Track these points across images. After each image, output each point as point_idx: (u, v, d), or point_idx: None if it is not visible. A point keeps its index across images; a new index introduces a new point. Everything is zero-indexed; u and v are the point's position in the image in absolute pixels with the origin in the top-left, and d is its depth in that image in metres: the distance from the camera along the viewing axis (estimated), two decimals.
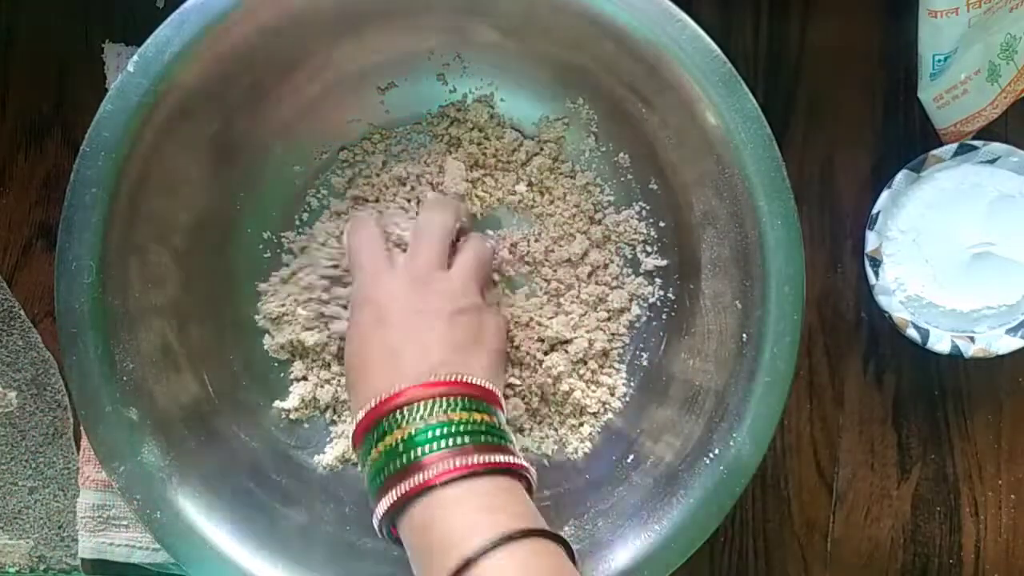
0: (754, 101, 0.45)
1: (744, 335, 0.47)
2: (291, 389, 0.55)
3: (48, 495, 0.59)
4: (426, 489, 0.39)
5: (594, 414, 0.55)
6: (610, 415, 0.55)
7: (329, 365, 0.55)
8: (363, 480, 0.43)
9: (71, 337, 0.46)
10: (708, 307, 0.51)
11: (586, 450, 0.54)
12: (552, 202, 0.55)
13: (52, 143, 0.58)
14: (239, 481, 0.51)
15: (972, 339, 0.55)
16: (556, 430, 0.55)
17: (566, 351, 0.54)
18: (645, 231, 0.55)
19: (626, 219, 0.55)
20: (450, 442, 0.40)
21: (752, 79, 0.57)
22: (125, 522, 0.57)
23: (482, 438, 0.41)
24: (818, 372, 0.59)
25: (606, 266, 0.55)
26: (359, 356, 0.46)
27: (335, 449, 0.54)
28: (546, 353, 0.54)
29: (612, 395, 0.55)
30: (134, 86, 0.45)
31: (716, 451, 0.46)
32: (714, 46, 0.45)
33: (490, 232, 0.55)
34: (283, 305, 0.54)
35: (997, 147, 0.54)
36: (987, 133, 0.55)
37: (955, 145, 0.54)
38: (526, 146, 0.55)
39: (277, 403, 0.55)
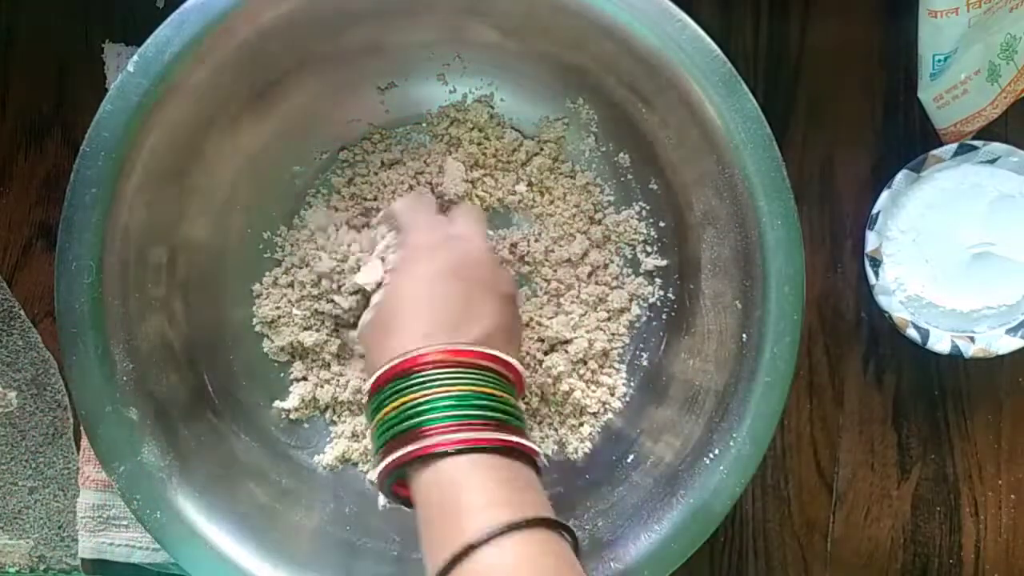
0: (754, 101, 0.45)
1: (744, 335, 0.47)
2: (291, 389, 0.55)
3: (48, 495, 0.59)
4: (432, 456, 0.38)
5: (594, 414, 0.55)
6: (610, 415, 0.55)
7: (329, 365, 0.55)
8: (369, 436, 0.42)
9: (71, 337, 0.46)
10: (708, 307, 0.51)
11: (586, 450, 0.54)
12: (552, 202, 0.55)
13: (52, 143, 0.58)
14: (239, 481, 0.51)
15: (972, 339, 0.55)
16: (556, 430, 0.55)
17: (566, 351, 0.54)
18: (645, 231, 0.55)
19: (626, 219, 0.55)
20: (466, 413, 0.39)
21: (752, 79, 0.57)
22: (125, 522, 0.57)
23: (498, 415, 0.40)
24: (818, 372, 0.59)
25: (606, 266, 0.55)
26: (391, 306, 0.45)
27: (335, 449, 0.54)
28: (546, 353, 0.54)
29: (612, 395, 0.55)
30: (134, 86, 0.45)
31: (716, 451, 0.46)
32: (714, 46, 0.45)
33: (490, 232, 0.55)
34: (278, 307, 0.54)
35: (997, 147, 0.54)
36: (987, 133, 0.55)
37: (955, 145, 0.54)
38: (526, 146, 0.55)
39: (277, 403, 0.55)
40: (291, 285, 0.55)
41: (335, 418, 0.55)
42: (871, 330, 0.58)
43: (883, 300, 0.55)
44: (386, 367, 0.42)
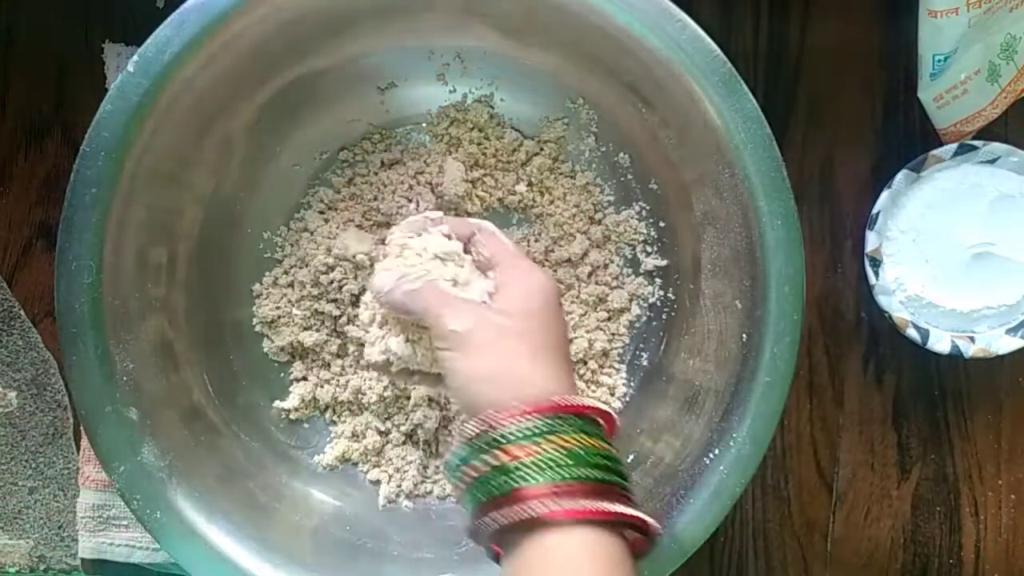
0: (754, 101, 0.45)
1: (744, 335, 0.47)
2: (291, 389, 0.55)
3: (48, 495, 0.59)
4: (531, 524, 0.35)
5: None
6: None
7: (328, 365, 0.55)
8: (459, 487, 0.39)
9: (71, 337, 0.46)
10: (708, 307, 0.51)
11: None
12: (552, 202, 0.55)
13: (52, 143, 0.58)
14: (239, 481, 0.51)
15: (972, 339, 0.55)
16: None
17: None
18: (645, 231, 0.55)
19: (626, 219, 0.55)
20: (579, 474, 0.35)
21: (752, 79, 0.57)
22: (125, 522, 0.57)
23: (597, 473, 0.36)
24: (818, 372, 0.59)
25: (606, 266, 0.55)
26: (482, 368, 0.39)
27: (335, 449, 0.54)
28: None
29: (612, 395, 0.55)
30: (134, 86, 0.45)
31: (716, 451, 0.46)
32: (714, 46, 0.45)
33: None
34: (277, 307, 0.54)
35: (997, 147, 0.54)
36: (987, 133, 0.55)
37: (955, 145, 0.54)
38: (526, 146, 0.55)
39: (277, 403, 0.55)
40: (291, 285, 0.55)
41: (335, 418, 0.55)
42: (871, 330, 0.58)
43: (883, 300, 0.55)
44: (490, 416, 0.37)
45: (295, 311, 0.54)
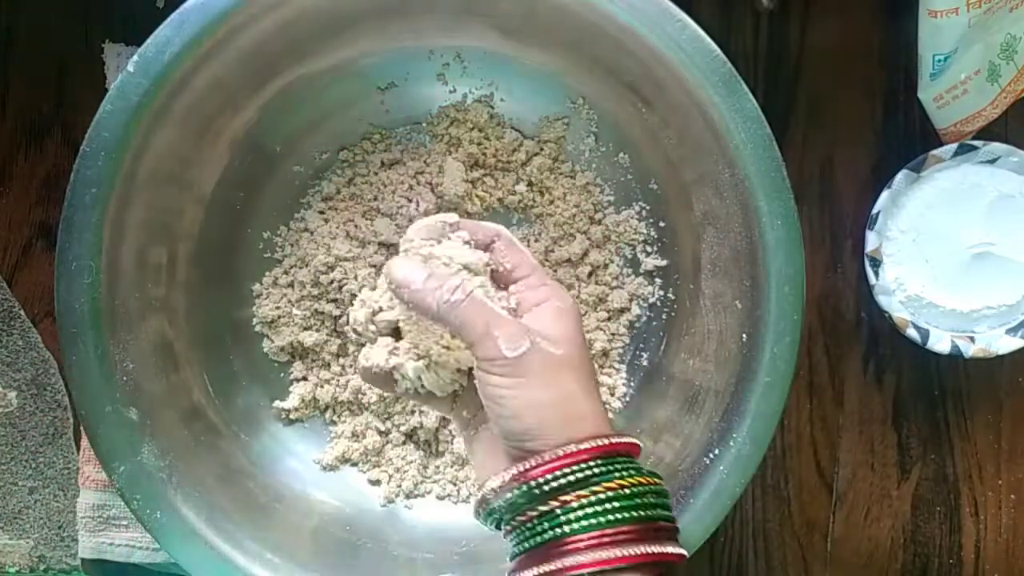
0: (754, 101, 0.45)
1: (744, 335, 0.47)
2: (291, 389, 0.55)
3: (48, 495, 0.59)
4: (576, 569, 0.34)
5: None
6: (610, 415, 0.55)
7: (328, 365, 0.55)
8: (499, 529, 0.38)
9: (71, 337, 0.46)
10: (708, 307, 0.51)
11: None
12: (552, 202, 0.55)
13: (52, 143, 0.58)
14: (239, 481, 0.51)
15: (972, 339, 0.55)
16: None
17: None
18: (645, 231, 0.55)
19: (626, 219, 0.55)
20: (609, 519, 0.35)
21: (752, 79, 0.57)
22: (125, 522, 0.57)
23: (644, 512, 0.35)
24: (818, 372, 0.59)
25: (606, 266, 0.55)
26: (539, 400, 0.37)
27: (335, 449, 0.54)
28: None
29: (612, 395, 0.55)
30: (134, 86, 0.45)
31: (716, 451, 0.46)
32: (714, 46, 0.45)
33: None
34: (278, 307, 0.54)
35: (997, 147, 0.54)
36: (987, 133, 0.55)
37: (955, 145, 0.54)
38: (526, 146, 0.55)
39: (277, 403, 0.55)
40: (291, 285, 0.55)
41: (335, 418, 0.55)
42: (871, 330, 0.58)
43: (883, 300, 0.55)
44: (546, 461, 0.36)
45: (295, 311, 0.54)
